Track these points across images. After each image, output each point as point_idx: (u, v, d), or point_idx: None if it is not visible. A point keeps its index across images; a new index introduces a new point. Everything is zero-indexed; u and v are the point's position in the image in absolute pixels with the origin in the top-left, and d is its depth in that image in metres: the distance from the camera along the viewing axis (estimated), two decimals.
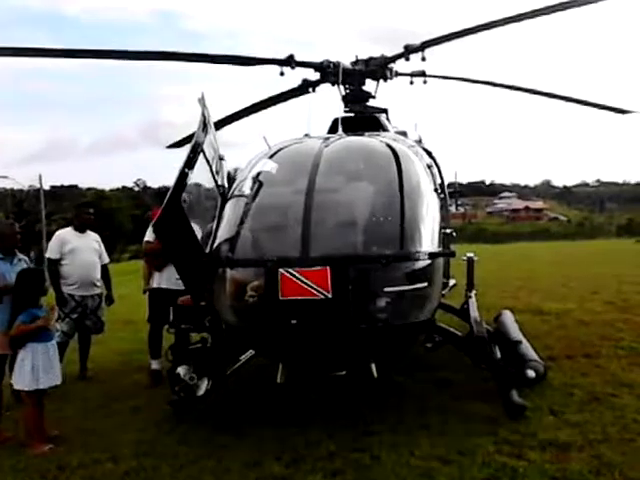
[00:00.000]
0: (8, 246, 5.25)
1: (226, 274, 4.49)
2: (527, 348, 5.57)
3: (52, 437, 4.66)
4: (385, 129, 6.68)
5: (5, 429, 4.91)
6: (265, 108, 8.15)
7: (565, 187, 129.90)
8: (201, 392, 4.72)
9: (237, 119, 8.29)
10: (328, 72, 6.92)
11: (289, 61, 6.72)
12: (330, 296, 3.97)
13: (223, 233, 4.74)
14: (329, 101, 7.41)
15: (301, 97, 7.55)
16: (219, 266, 4.54)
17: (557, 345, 6.78)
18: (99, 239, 6.82)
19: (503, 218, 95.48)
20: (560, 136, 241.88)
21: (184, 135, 8.18)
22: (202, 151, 4.55)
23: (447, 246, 5.26)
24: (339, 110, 6.99)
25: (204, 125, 4.62)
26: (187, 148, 4.46)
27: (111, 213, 47.07)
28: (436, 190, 5.28)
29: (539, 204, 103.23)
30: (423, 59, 6.77)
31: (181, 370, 4.69)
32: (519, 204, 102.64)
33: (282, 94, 7.69)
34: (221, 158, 5.17)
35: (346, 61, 7.02)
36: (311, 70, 7.04)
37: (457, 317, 6.61)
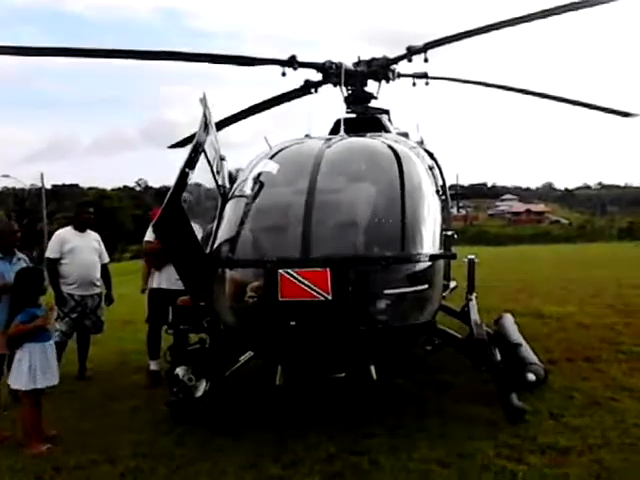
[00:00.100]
0: (7, 245, 5.24)
1: (225, 275, 4.47)
2: (527, 351, 5.55)
3: (50, 437, 4.64)
4: (387, 130, 6.66)
5: (3, 429, 4.90)
6: (267, 109, 8.14)
7: (567, 190, 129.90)
8: (199, 393, 4.71)
9: (239, 119, 8.27)
10: (330, 73, 6.90)
11: (291, 62, 6.70)
12: (330, 298, 3.95)
13: (223, 233, 4.73)
14: (331, 102, 7.40)
15: (303, 98, 7.54)
16: (219, 266, 4.52)
17: (557, 348, 6.77)
18: (99, 238, 6.80)
19: (504, 221, 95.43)
20: (562, 139, 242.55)
21: (186, 135, 8.17)
22: (203, 151, 4.53)
23: (448, 248, 5.23)
24: (341, 111, 6.98)
25: (205, 125, 4.60)
26: (188, 148, 4.45)
27: (112, 212, 47.04)
28: (437, 192, 5.26)
29: (540, 207, 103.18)
30: (426, 60, 6.75)
31: (180, 371, 4.67)
32: (520, 207, 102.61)
33: (284, 95, 7.68)
34: (222, 158, 5.15)
35: (348, 62, 7.00)
36: (313, 71, 7.03)
37: (457, 319, 6.58)
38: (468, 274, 6.83)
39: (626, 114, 7.99)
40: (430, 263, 4.40)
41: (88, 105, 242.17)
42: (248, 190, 4.92)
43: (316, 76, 7.12)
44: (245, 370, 5.60)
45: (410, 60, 6.83)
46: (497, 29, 6.08)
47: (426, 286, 4.34)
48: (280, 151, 5.38)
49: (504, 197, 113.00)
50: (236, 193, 5.06)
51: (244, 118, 8.28)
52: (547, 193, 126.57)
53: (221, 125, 7.72)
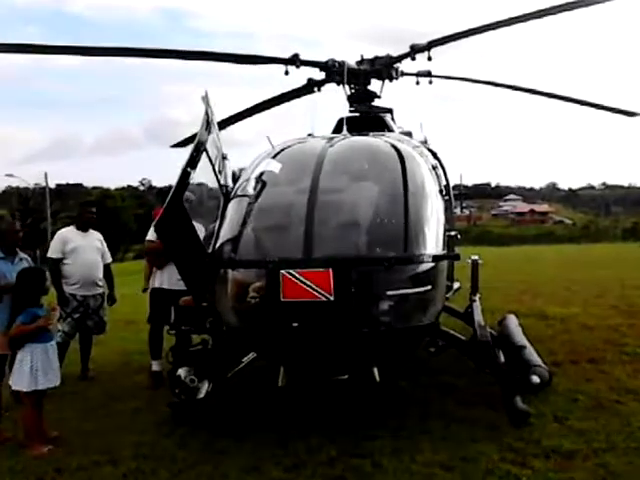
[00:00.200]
0: (8, 244, 5.22)
1: (227, 275, 4.44)
2: (531, 353, 5.50)
3: (52, 438, 4.63)
4: (390, 129, 6.63)
5: (4, 429, 4.88)
6: (270, 107, 8.11)
7: (571, 190, 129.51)
8: (201, 395, 4.68)
9: (242, 118, 8.25)
10: (333, 71, 6.87)
11: (294, 60, 6.67)
12: (332, 298, 3.92)
13: (225, 233, 4.70)
14: (334, 101, 7.37)
15: (306, 96, 7.51)
16: (221, 267, 4.49)
17: (561, 350, 6.71)
18: (102, 238, 6.78)
19: (508, 221, 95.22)
20: (566, 139, 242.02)
21: (188, 134, 8.15)
22: (205, 150, 4.51)
23: (451, 248, 5.19)
24: (344, 110, 6.95)
25: (207, 124, 4.57)
26: (190, 147, 4.42)
27: (116, 212, 47.08)
28: (441, 192, 5.22)
29: (544, 207, 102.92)
30: (429, 59, 6.71)
31: (181, 372, 4.66)
32: (524, 207, 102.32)
33: (287, 93, 7.65)
34: (224, 157, 5.13)
35: (351, 60, 6.97)
36: (316, 69, 7.00)
37: (461, 321, 6.54)
38: (472, 275, 6.78)
39: (631, 113, 7.93)
40: (433, 264, 4.36)
41: (92, 104, 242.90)
42: (250, 189, 4.89)
43: (319, 75, 7.10)
44: (247, 371, 5.58)
45: (414, 58, 6.79)
46: (502, 27, 6.03)
47: (429, 287, 4.30)
48: (282, 150, 5.35)
49: (508, 197, 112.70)
50: (238, 192, 5.03)
51: (247, 117, 8.26)
52: (551, 193, 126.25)
53: (224, 124, 7.70)
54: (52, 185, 53.82)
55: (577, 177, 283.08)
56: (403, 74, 7.32)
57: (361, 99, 7.07)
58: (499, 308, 8.61)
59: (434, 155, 6.14)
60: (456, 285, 6.38)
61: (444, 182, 5.90)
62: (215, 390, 4.83)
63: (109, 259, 6.85)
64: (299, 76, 7.06)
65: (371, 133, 5.87)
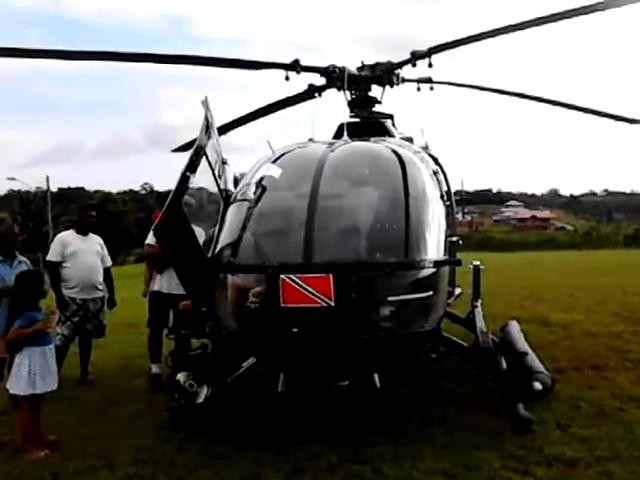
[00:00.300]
0: (7, 247, 5.21)
1: (227, 279, 4.42)
2: (534, 360, 5.47)
3: (49, 442, 4.60)
4: (391, 135, 6.61)
5: (2, 434, 4.86)
6: (271, 113, 8.12)
7: (572, 196, 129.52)
8: (201, 400, 4.65)
9: (243, 123, 8.26)
10: (334, 77, 6.87)
11: (294, 66, 6.67)
12: (333, 304, 3.89)
13: (225, 238, 4.68)
14: (335, 106, 7.37)
15: (307, 102, 7.50)
16: (220, 271, 4.47)
17: (564, 357, 6.67)
18: (102, 242, 6.77)
19: (510, 227, 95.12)
20: (568, 145, 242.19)
21: (189, 139, 8.14)
22: (204, 154, 4.50)
23: (453, 254, 5.17)
24: (345, 115, 6.94)
25: (207, 128, 4.57)
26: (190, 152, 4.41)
27: (117, 216, 47.09)
28: (442, 197, 5.20)
29: (546, 213, 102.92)
30: (430, 65, 6.71)
31: (181, 377, 4.63)
32: (526, 213, 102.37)
33: (288, 99, 7.65)
34: (224, 162, 5.12)
35: (352, 66, 6.97)
36: (317, 75, 7.00)
37: (463, 327, 6.51)
38: (473, 281, 6.75)
39: (633, 121, 7.93)
40: (435, 269, 4.34)
41: (93, 108, 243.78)
42: (250, 194, 4.88)
43: (320, 80, 7.10)
44: (247, 377, 5.55)
45: (414, 65, 6.78)
46: (502, 34, 6.02)
47: (431, 293, 4.28)
48: (283, 155, 5.34)
49: (509, 203, 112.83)
50: (238, 197, 5.02)
51: (248, 122, 8.27)
52: (552, 199, 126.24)
53: (225, 129, 7.70)
54: (54, 189, 53.83)
55: (579, 183, 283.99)
56: (404, 80, 7.32)
57: (362, 105, 7.07)
58: (501, 314, 8.58)
59: (435, 161, 6.13)
60: (458, 291, 6.35)
61: (445, 188, 5.89)
62: (214, 395, 4.80)
63: (109, 263, 6.83)
64: (300, 82, 7.07)
65: (372, 138, 5.86)
